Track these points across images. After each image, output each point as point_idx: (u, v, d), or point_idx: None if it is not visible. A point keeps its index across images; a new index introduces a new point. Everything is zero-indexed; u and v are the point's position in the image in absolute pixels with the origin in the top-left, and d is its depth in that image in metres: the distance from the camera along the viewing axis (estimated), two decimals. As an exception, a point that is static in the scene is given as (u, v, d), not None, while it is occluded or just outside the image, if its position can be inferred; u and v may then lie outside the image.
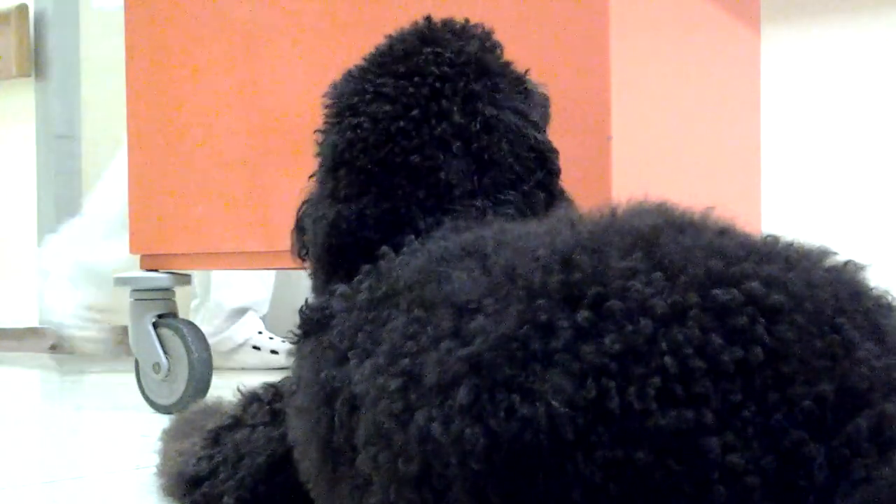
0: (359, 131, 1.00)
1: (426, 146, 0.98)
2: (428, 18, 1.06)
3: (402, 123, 0.99)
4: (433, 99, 1.00)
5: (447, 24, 1.06)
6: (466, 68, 1.02)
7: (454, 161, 0.99)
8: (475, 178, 1.00)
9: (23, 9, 4.13)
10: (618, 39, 1.48)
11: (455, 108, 0.99)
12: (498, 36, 1.08)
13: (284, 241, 1.82)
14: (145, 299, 2.11)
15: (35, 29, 4.16)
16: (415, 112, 0.99)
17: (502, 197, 1.01)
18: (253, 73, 1.91)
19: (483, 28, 1.07)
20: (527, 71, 1.08)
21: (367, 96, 1.01)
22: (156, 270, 2.11)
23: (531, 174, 1.03)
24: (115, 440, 1.86)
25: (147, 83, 2.10)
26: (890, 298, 0.75)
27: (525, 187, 1.02)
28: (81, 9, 4.17)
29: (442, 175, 0.98)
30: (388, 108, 0.99)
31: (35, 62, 4.15)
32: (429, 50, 1.02)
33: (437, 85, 1.00)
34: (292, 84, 1.84)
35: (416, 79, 1.00)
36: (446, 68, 1.01)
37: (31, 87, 4.18)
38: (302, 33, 1.83)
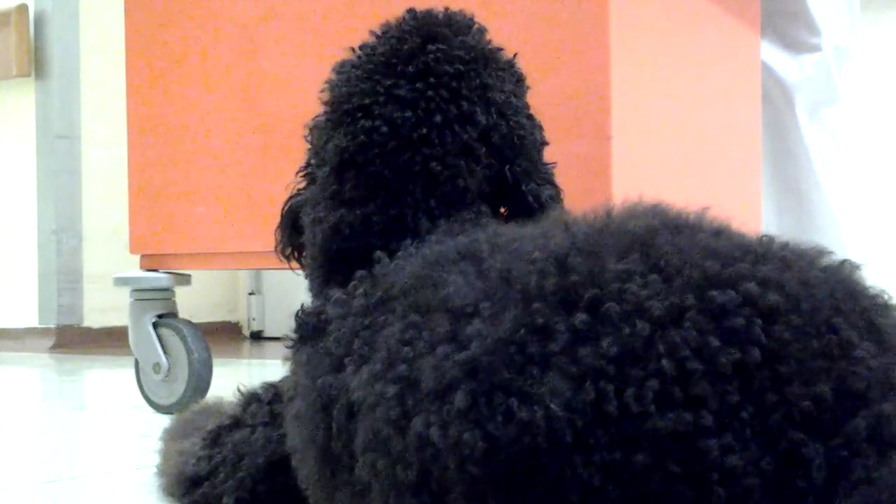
0: (374, 136, 0.97)
1: (449, 154, 0.97)
2: (411, 11, 1.04)
3: (423, 131, 0.97)
4: (452, 101, 0.98)
5: (430, 15, 1.04)
6: (476, 63, 1.01)
7: (477, 166, 0.98)
8: (509, 167, 1.00)
9: (23, 8, 4.13)
10: (618, 39, 1.48)
11: (478, 110, 0.98)
12: (498, 35, 1.08)
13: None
14: (145, 299, 2.11)
15: (35, 29, 4.15)
16: (437, 118, 0.97)
17: (542, 174, 1.02)
18: (253, 73, 1.91)
19: (465, 14, 1.05)
20: (515, 55, 1.07)
21: (380, 98, 0.98)
22: (156, 270, 2.11)
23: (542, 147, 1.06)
24: (115, 440, 1.86)
25: (147, 83, 2.10)
26: (887, 297, 0.74)
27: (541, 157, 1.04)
28: (81, 8, 4.17)
29: (461, 182, 0.97)
30: (408, 113, 0.97)
31: (35, 62, 4.15)
32: (433, 47, 1.00)
33: (454, 85, 0.98)
34: (292, 84, 1.84)
35: (430, 80, 0.98)
36: (459, 66, 0.99)
37: (31, 87, 4.18)
38: (302, 34, 1.83)
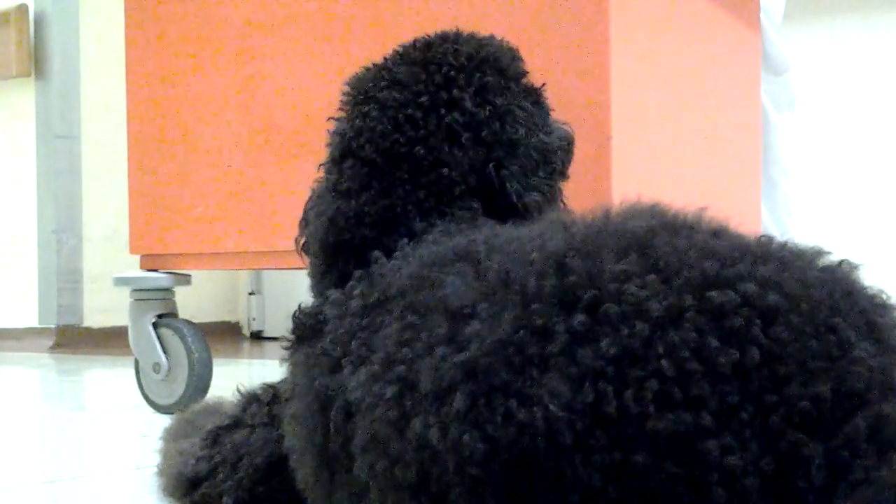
0: (367, 120, 0.99)
1: (432, 137, 0.98)
2: (456, 29, 1.07)
3: (409, 111, 0.98)
4: (445, 87, 0.99)
5: (473, 34, 1.07)
6: (483, 65, 1.02)
7: (460, 154, 0.98)
8: (491, 165, 0.99)
9: (23, 8, 4.13)
10: (618, 39, 1.48)
11: (467, 97, 0.99)
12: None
13: (284, 240, 1.83)
14: (145, 299, 2.11)
15: (35, 29, 4.15)
16: (424, 99, 0.98)
17: (532, 181, 1.02)
18: (253, 73, 1.91)
19: (505, 40, 1.07)
20: (543, 85, 1.08)
21: (383, 83, 1.01)
22: (156, 270, 2.11)
23: (546, 165, 1.05)
24: (115, 440, 1.86)
25: (147, 83, 2.10)
26: (885, 297, 0.74)
27: (546, 172, 1.04)
28: (81, 8, 4.17)
29: (445, 171, 0.97)
30: (398, 94, 0.99)
31: (35, 62, 4.15)
32: (447, 45, 1.03)
33: (452, 74, 1.00)
34: (291, 84, 1.84)
35: (430, 67, 1.00)
36: (463, 60, 1.01)
37: (31, 87, 4.18)
38: (301, 34, 1.83)
